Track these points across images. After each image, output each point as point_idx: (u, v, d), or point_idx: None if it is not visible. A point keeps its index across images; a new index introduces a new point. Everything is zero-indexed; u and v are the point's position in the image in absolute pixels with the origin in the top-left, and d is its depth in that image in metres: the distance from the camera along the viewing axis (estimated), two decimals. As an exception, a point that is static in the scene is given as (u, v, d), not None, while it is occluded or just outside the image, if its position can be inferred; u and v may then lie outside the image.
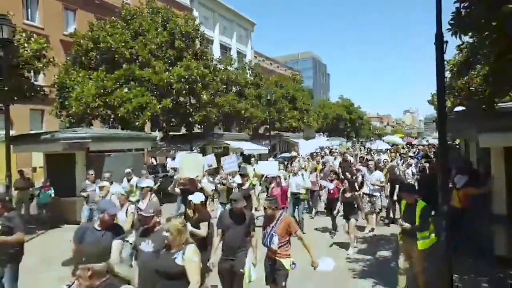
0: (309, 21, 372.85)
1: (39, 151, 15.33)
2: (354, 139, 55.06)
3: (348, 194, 9.17)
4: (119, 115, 16.35)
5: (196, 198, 5.99)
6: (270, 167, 11.56)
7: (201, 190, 6.94)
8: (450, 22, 6.02)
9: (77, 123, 17.08)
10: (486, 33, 5.49)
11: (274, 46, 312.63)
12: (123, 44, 17.16)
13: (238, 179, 10.75)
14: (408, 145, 44.27)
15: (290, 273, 7.61)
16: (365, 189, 10.83)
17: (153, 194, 7.99)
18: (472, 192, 8.49)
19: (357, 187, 10.96)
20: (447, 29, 6.16)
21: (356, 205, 9.24)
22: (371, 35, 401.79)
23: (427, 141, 44.79)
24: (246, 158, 21.61)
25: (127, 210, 6.78)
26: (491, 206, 8.17)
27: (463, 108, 10.74)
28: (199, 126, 21.42)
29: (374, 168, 11.37)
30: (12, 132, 22.60)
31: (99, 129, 16.74)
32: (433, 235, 6.09)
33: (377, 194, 10.80)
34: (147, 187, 7.90)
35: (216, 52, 37.74)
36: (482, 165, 9.77)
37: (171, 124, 19.66)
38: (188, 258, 3.86)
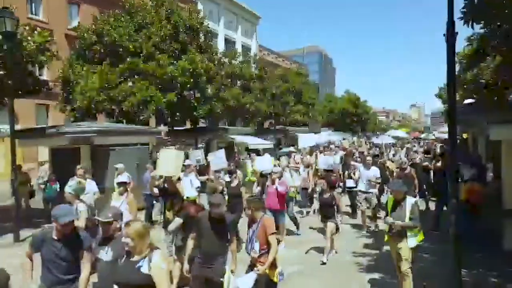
0: (315, 14, 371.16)
1: (44, 145, 15.35)
2: (360, 133, 54.76)
3: (326, 195, 8.46)
4: (124, 109, 16.30)
5: (191, 192, 5.85)
6: (264, 162, 10.70)
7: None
8: (462, 10, 5.87)
9: (82, 117, 17.04)
10: (498, 23, 5.33)
11: (280, 40, 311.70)
12: (127, 37, 17.06)
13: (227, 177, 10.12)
14: (414, 139, 43.93)
15: (292, 270, 7.57)
16: (361, 186, 10.35)
17: (129, 192, 7.33)
18: (478, 188, 8.36)
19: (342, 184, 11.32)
20: (459, 18, 5.99)
21: (335, 206, 8.51)
22: (378, 29, 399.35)
23: (434, 135, 44.39)
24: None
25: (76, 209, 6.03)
26: (502, 200, 8.04)
27: (472, 100, 10.59)
28: (204, 121, 21.32)
29: (371, 164, 10.77)
30: (18, 127, 22.81)
31: (104, 123, 16.70)
32: (421, 232, 5.87)
33: (373, 190, 10.33)
34: (121, 183, 7.27)
35: (221, 45, 37.58)
36: (490, 159, 9.62)
37: (176, 118, 19.58)
38: (156, 265, 3.36)
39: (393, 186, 6.30)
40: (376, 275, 7.01)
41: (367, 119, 56.72)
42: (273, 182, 8.82)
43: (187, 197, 7.98)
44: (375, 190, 10.60)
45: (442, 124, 47.32)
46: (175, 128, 21.24)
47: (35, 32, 12.26)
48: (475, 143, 12.01)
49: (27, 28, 12.13)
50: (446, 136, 11.26)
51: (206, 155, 14.50)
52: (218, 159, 10.22)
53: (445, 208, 9.50)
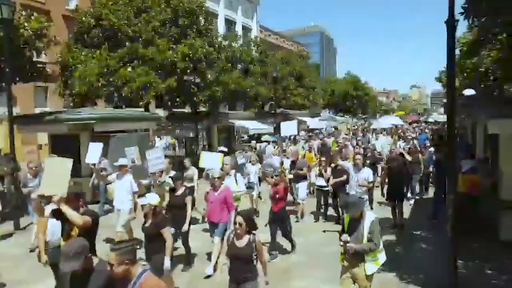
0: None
1: (43, 131, 15.37)
2: (361, 115, 54.65)
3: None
4: (123, 94, 16.23)
5: (152, 198, 5.54)
6: (211, 160, 8.53)
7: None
8: (464, 6, 5.84)
9: (81, 102, 17.00)
10: (499, 20, 5.31)
11: (281, 20, 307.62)
12: (125, 21, 16.85)
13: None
14: (412, 123, 43.00)
15: (292, 257, 7.68)
16: (351, 192, 8.93)
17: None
18: (476, 180, 8.43)
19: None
20: (460, 13, 5.99)
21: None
22: (379, 8, 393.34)
23: (433, 119, 44.16)
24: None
25: None
26: (499, 191, 8.12)
27: (472, 90, 10.54)
28: (204, 105, 21.25)
29: (362, 165, 9.59)
30: (16, 110, 22.77)
31: (103, 109, 16.68)
32: (381, 255, 4.95)
33: (365, 197, 8.90)
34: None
35: (221, 26, 37.10)
36: (489, 151, 9.65)
37: (176, 103, 19.52)
38: None
39: (348, 201, 5.34)
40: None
41: (368, 101, 56.56)
42: (215, 188, 7.22)
43: (118, 210, 7.78)
44: (366, 196, 9.43)
45: (442, 106, 47.09)
46: (174, 113, 21.21)
47: (32, 17, 12.15)
48: (474, 134, 12.01)
49: (23, 13, 12.01)
50: (445, 118, 11.15)
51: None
52: (154, 159, 8.63)
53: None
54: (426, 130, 29.63)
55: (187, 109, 22.53)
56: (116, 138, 13.25)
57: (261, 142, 21.68)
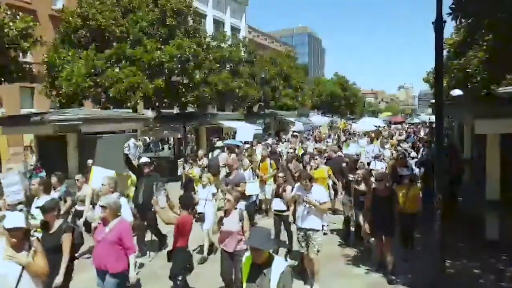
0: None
1: (29, 133, 15.15)
2: (349, 116, 55.00)
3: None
4: (111, 95, 16.08)
5: (11, 222, 3.82)
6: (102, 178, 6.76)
7: None
8: (451, 6, 5.92)
9: (68, 103, 16.78)
10: (487, 20, 5.39)
11: (269, 20, 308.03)
12: (113, 21, 16.70)
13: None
14: (396, 124, 38.64)
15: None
16: (298, 223, 6.41)
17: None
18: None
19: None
20: (447, 14, 6.07)
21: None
22: (367, 9, 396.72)
23: (418, 118, 43.72)
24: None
25: None
26: (484, 191, 8.21)
27: (459, 90, 10.67)
28: (192, 106, 21.16)
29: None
30: (2, 110, 22.44)
31: (90, 110, 16.48)
32: None
33: (324, 223, 7.26)
34: None
35: (210, 27, 36.99)
36: (476, 150, 9.76)
37: (164, 104, 19.41)
38: None
39: (249, 240, 3.59)
40: (363, 268, 7.16)
41: (356, 102, 56.96)
42: (104, 221, 4.99)
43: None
44: (325, 223, 8.16)
45: (429, 107, 46.60)
46: (162, 113, 21.08)
47: (17, 17, 11.94)
48: (461, 134, 12.18)
49: (9, 13, 11.79)
50: (432, 118, 10.86)
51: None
52: (10, 185, 7.37)
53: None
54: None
55: (175, 110, 22.42)
56: (103, 139, 13.13)
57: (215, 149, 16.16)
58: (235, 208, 5.63)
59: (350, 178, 8.50)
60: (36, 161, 12.51)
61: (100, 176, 7.00)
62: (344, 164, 10.06)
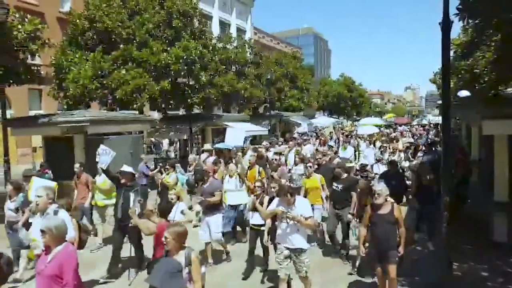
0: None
1: (37, 134, 15.32)
2: (355, 117, 54.85)
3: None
4: (117, 97, 16.17)
5: None
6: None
7: None
8: (458, 7, 5.89)
9: (75, 105, 16.91)
10: (494, 20, 5.35)
11: (275, 21, 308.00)
12: (119, 23, 16.79)
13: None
14: (397, 126, 36.83)
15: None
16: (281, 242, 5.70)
17: None
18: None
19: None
20: (454, 14, 6.03)
21: None
22: (373, 9, 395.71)
23: (428, 120, 43.18)
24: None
25: None
26: (493, 193, 8.15)
27: (467, 91, 10.60)
28: (198, 107, 21.21)
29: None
30: (11, 112, 22.65)
31: (97, 112, 16.59)
32: None
33: (304, 246, 5.56)
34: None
35: (215, 28, 37.06)
36: (484, 152, 9.68)
37: (170, 105, 19.47)
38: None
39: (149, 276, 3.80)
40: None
41: (362, 103, 56.78)
42: (47, 250, 4.04)
43: None
44: (314, 243, 7.61)
45: (436, 107, 45.56)
46: (169, 115, 21.15)
47: (26, 20, 12.06)
48: (469, 135, 12.08)
49: (17, 16, 11.92)
50: (439, 119, 10.45)
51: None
52: None
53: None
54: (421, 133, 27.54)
55: (181, 111, 22.47)
56: (109, 140, 13.21)
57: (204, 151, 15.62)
58: (183, 247, 4.09)
59: (335, 187, 7.67)
60: (43, 162, 12.59)
61: (39, 185, 6.09)
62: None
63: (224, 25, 40.98)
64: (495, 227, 8.01)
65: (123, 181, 7.18)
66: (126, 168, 7.38)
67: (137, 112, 17.78)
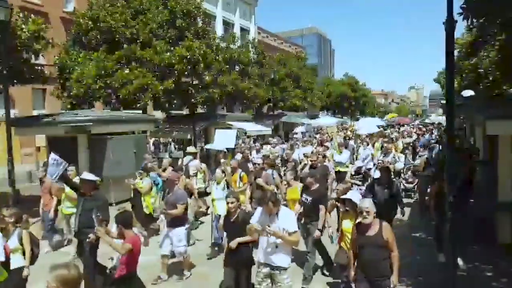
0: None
1: (41, 133, 15.35)
2: (359, 116, 54.73)
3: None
4: (121, 96, 16.21)
5: None
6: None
7: None
8: (462, 6, 5.85)
9: (79, 104, 16.97)
10: (498, 19, 5.32)
11: (278, 21, 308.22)
12: (123, 23, 16.83)
13: None
14: (399, 126, 36.68)
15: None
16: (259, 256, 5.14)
17: None
18: None
19: None
20: (458, 13, 6.00)
21: None
22: (377, 9, 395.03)
23: (430, 119, 42.84)
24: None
25: None
26: (497, 193, 8.09)
27: (471, 91, 10.54)
28: (202, 107, 21.22)
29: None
30: (14, 111, 22.74)
31: (100, 112, 16.64)
32: None
33: (284, 264, 4.97)
34: None
35: (219, 28, 37.12)
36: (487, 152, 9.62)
37: (173, 105, 19.50)
38: None
39: None
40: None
41: (366, 102, 56.69)
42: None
43: None
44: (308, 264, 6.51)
45: (440, 107, 45.26)
46: (172, 114, 21.18)
47: (29, 19, 12.11)
48: (473, 135, 11.99)
49: (21, 15, 11.97)
50: (443, 118, 10.48)
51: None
52: None
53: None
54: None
55: (185, 111, 22.50)
56: (113, 140, 13.22)
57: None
58: None
59: (305, 199, 6.82)
60: (47, 162, 12.61)
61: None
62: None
63: (227, 24, 41.02)
64: (499, 227, 7.96)
65: (82, 190, 6.44)
66: (87, 175, 6.63)
67: (140, 111, 17.83)
